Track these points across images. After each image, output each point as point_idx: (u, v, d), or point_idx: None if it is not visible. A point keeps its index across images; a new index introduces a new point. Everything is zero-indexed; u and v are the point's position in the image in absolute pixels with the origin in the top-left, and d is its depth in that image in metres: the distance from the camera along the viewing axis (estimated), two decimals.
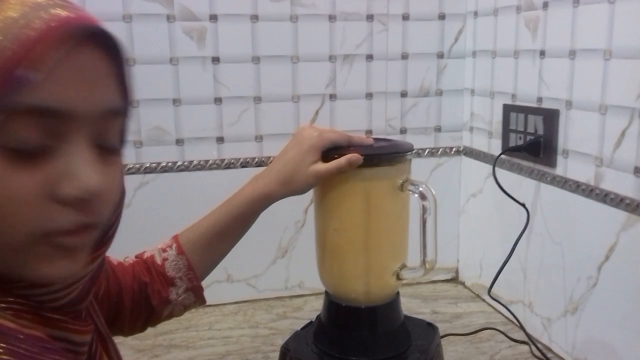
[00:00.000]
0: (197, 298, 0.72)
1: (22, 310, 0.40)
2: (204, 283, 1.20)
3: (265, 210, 1.13)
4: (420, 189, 0.69)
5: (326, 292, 0.78)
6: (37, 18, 0.37)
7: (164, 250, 0.71)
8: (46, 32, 0.36)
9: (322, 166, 0.70)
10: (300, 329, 0.80)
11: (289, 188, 0.72)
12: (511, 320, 1.10)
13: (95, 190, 0.39)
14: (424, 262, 0.71)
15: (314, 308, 1.18)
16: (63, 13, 0.38)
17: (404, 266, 0.74)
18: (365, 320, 0.74)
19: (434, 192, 0.69)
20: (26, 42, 0.36)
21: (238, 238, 0.75)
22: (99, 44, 0.40)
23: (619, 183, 0.85)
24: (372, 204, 0.71)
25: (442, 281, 1.33)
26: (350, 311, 0.74)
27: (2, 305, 0.39)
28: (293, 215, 1.22)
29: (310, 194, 1.22)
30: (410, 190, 0.71)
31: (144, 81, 1.11)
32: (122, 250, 1.17)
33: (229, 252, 0.76)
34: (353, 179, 0.71)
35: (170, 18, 1.10)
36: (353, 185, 0.72)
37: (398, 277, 0.73)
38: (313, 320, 0.82)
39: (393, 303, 0.75)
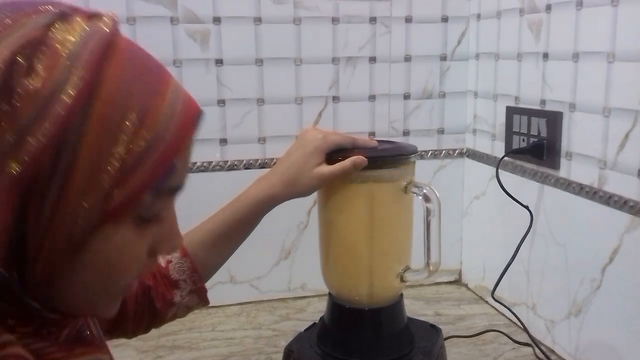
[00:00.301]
0: (201, 300, 0.72)
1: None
2: (207, 284, 1.20)
3: (268, 212, 1.13)
4: (425, 191, 0.69)
5: (330, 294, 0.78)
6: (178, 105, 0.40)
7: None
8: (187, 122, 0.41)
9: (326, 169, 0.71)
10: (304, 330, 0.81)
11: (293, 190, 0.72)
12: (514, 323, 1.10)
13: (177, 249, 0.47)
14: (427, 264, 0.71)
15: (316, 310, 1.18)
16: (192, 100, 0.42)
17: (407, 268, 0.74)
18: (368, 322, 0.74)
19: (437, 194, 0.69)
20: (176, 132, 0.40)
21: (242, 240, 0.75)
22: None
23: (623, 185, 0.85)
24: (376, 206, 0.72)
25: (446, 283, 1.33)
26: (354, 313, 0.74)
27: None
28: (296, 217, 1.22)
29: (313, 196, 1.22)
30: (414, 193, 0.71)
31: None
32: None
33: (233, 253, 0.77)
34: (357, 181, 0.71)
35: (174, 20, 1.11)
36: (357, 187, 0.72)
37: (402, 279, 0.74)
38: (316, 321, 0.82)
39: (397, 305, 0.75)
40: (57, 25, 0.37)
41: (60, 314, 0.42)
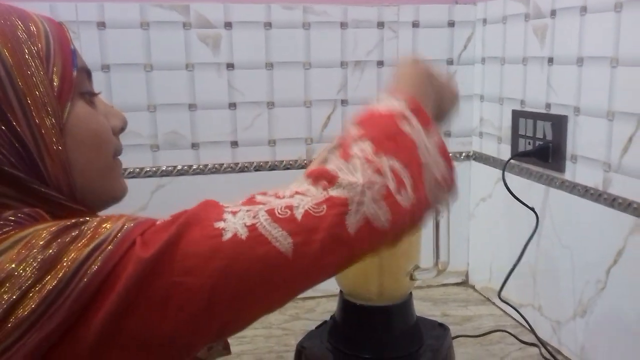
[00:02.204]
0: (224, 348, 0.71)
1: None
2: None
3: None
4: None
5: (341, 292, 0.80)
6: (44, 18, 0.52)
7: None
8: (57, 24, 0.52)
9: None
10: (315, 328, 0.83)
11: None
12: (520, 324, 1.12)
13: (127, 121, 0.56)
14: (436, 263, 0.73)
15: (325, 310, 1.20)
16: (49, 17, 0.53)
17: (417, 267, 0.76)
18: (378, 319, 0.76)
19: None
20: (57, 30, 0.51)
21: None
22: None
23: (627, 188, 0.87)
24: None
25: (453, 284, 1.35)
26: (365, 310, 0.76)
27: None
28: None
29: None
30: None
31: (161, 87, 1.14)
32: None
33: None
34: None
35: (186, 25, 1.13)
36: None
37: (411, 278, 0.75)
38: (327, 320, 0.84)
39: (406, 303, 0.77)
40: None
41: (83, 205, 0.49)
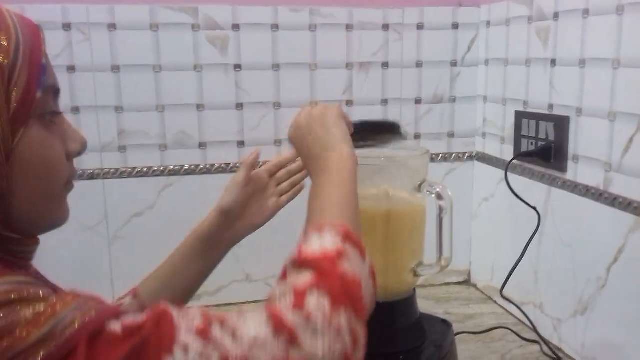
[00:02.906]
0: None
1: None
2: (223, 282, 1.26)
3: (283, 211, 1.17)
4: (437, 189, 0.73)
5: None
6: (20, 21, 0.48)
7: (120, 299, 0.73)
8: (35, 30, 0.49)
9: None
10: None
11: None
12: (522, 322, 1.13)
13: (86, 144, 0.53)
14: (439, 259, 0.75)
15: None
16: (28, 18, 0.50)
17: (420, 263, 0.78)
18: (383, 315, 0.78)
19: (450, 193, 0.73)
20: (31, 39, 0.48)
21: (201, 273, 0.77)
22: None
23: (627, 187, 0.88)
24: (391, 205, 0.75)
25: (455, 283, 1.36)
26: None
27: None
28: None
29: None
30: (428, 191, 0.75)
31: (170, 87, 1.16)
32: (147, 247, 1.22)
33: (198, 286, 0.77)
34: (373, 180, 0.75)
35: (195, 27, 1.15)
36: (373, 186, 0.76)
37: (415, 274, 0.77)
38: None
39: (410, 299, 0.79)
40: None
41: (20, 233, 0.48)
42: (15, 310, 0.40)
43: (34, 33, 0.48)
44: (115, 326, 0.42)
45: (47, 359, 0.39)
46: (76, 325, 0.41)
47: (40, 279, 0.52)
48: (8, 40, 0.45)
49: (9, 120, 0.45)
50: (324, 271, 0.48)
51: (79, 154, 0.53)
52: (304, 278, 0.48)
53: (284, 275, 0.51)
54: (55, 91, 0.50)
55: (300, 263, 0.50)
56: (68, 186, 0.52)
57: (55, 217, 0.51)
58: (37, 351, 0.39)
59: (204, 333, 0.43)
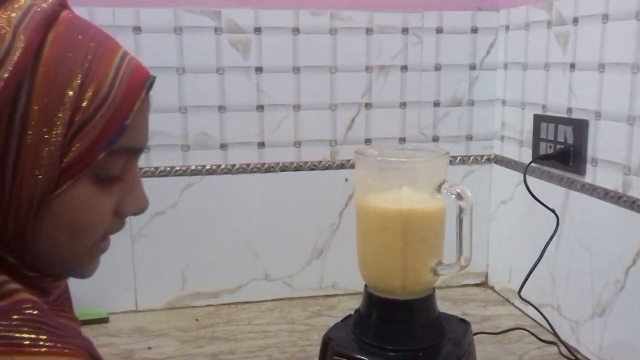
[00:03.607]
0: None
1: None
2: (243, 280, 1.26)
3: (301, 213, 1.18)
4: (457, 190, 0.75)
5: (366, 286, 0.84)
6: (125, 70, 0.45)
7: None
8: (135, 84, 0.45)
9: None
10: (341, 320, 0.86)
11: None
12: (539, 324, 1.14)
13: (145, 209, 0.50)
14: (459, 258, 0.76)
15: (347, 307, 1.23)
16: (141, 66, 0.46)
17: (440, 263, 0.79)
18: (402, 312, 0.79)
19: (469, 194, 0.74)
20: (124, 94, 0.44)
21: None
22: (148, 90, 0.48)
23: None
24: (411, 205, 0.77)
25: (472, 285, 1.37)
26: (389, 304, 0.79)
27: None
28: (328, 218, 1.27)
29: (345, 197, 1.28)
30: (448, 192, 0.76)
31: (192, 89, 1.18)
32: (169, 244, 1.24)
33: None
34: (393, 181, 0.77)
35: (217, 30, 1.18)
36: (393, 188, 0.77)
37: (435, 273, 0.79)
38: (351, 314, 0.87)
39: (429, 297, 0.80)
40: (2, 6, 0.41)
41: (37, 272, 0.45)
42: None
43: (135, 89, 0.45)
44: None
45: None
46: None
47: (59, 303, 0.50)
48: (94, 93, 0.42)
49: (58, 167, 0.41)
50: None
51: (133, 214, 0.50)
52: None
53: None
54: (131, 152, 0.47)
55: None
56: (103, 243, 0.49)
57: (80, 270, 0.49)
58: None
59: None
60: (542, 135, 1.12)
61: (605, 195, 0.97)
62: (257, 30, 1.19)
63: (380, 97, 1.26)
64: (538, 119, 1.14)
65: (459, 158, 1.32)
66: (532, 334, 1.10)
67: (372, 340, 0.78)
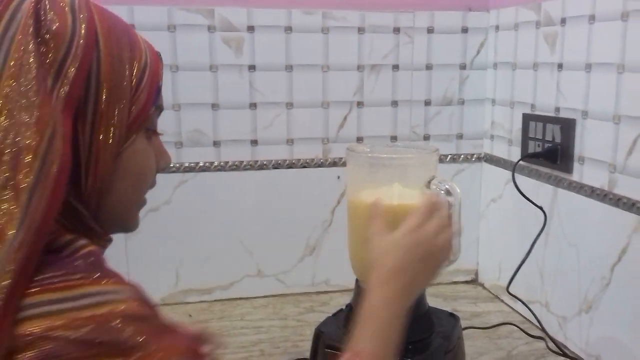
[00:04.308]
0: None
1: None
2: (236, 276, 1.27)
3: (294, 210, 1.19)
4: (446, 186, 0.76)
5: (357, 280, 0.85)
6: (146, 43, 0.55)
7: None
8: (156, 55, 0.55)
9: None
10: (332, 314, 0.87)
11: None
12: (528, 320, 1.16)
13: (170, 164, 0.59)
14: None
15: (339, 304, 1.24)
16: (150, 43, 0.56)
17: None
18: None
19: (458, 190, 0.76)
20: (153, 62, 0.54)
21: None
22: None
23: (631, 188, 0.91)
24: (401, 201, 0.78)
25: (462, 282, 1.39)
26: None
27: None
28: (321, 216, 1.29)
29: (337, 195, 1.29)
30: (437, 187, 0.78)
31: (186, 86, 1.19)
32: (163, 241, 1.25)
33: None
34: (384, 177, 0.78)
35: (210, 28, 1.19)
36: (383, 184, 0.78)
37: None
38: (342, 308, 0.89)
39: None
40: None
41: (101, 227, 0.52)
42: (149, 329, 0.43)
43: (156, 59, 0.54)
44: None
45: None
46: None
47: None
48: (138, 61, 0.51)
49: (126, 125, 0.50)
50: None
51: (163, 169, 0.58)
52: None
53: None
54: (160, 111, 0.56)
55: None
56: (145, 197, 0.57)
57: (132, 223, 0.56)
58: None
59: None
60: (531, 134, 1.14)
61: (592, 193, 0.99)
62: (250, 28, 1.20)
63: (372, 95, 1.28)
64: (527, 118, 1.16)
65: (449, 156, 1.33)
66: (521, 329, 1.12)
67: None
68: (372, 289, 0.64)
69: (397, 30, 1.27)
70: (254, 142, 1.24)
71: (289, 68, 1.23)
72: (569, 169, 1.05)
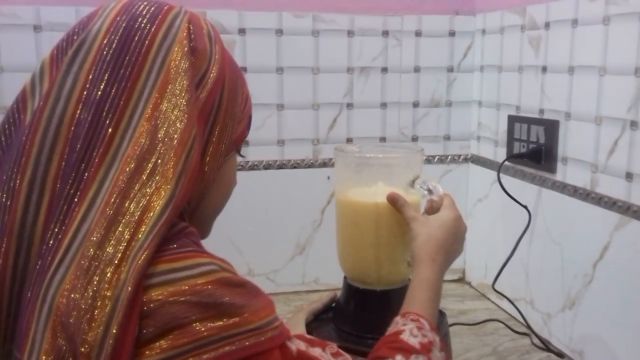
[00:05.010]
0: None
1: None
2: None
3: (284, 210, 1.20)
4: (429, 186, 0.78)
5: (345, 277, 0.87)
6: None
7: None
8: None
9: None
10: (322, 308, 0.89)
11: None
12: (514, 317, 1.18)
13: None
14: None
15: None
16: None
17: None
18: (379, 302, 0.83)
19: (441, 190, 0.78)
20: (247, 95, 0.62)
21: None
22: None
23: (612, 187, 0.93)
24: (386, 200, 0.80)
25: (449, 281, 1.41)
26: (366, 294, 0.83)
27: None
28: (311, 215, 1.31)
29: (326, 194, 1.30)
30: (420, 187, 0.80)
31: None
32: None
33: None
34: (369, 176, 0.80)
35: None
36: (369, 183, 0.80)
37: (409, 264, 0.82)
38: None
39: (404, 288, 0.83)
40: (188, 12, 0.56)
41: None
42: (248, 293, 0.49)
43: (245, 83, 0.61)
44: (292, 346, 0.52)
45: (251, 347, 0.47)
46: (277, 331, 0.50)
47: None
48: (245, 88, 0.60)
49: (232, 141, 0.57)
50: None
51: None
52: None
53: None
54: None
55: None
56: None
57: (208, 230, 0.63)
58: (249, 337, 0.47)
59: None
60: (516, 135, 1.17)
61: (575, 192, 1.02)
62: (242, 31, 1.22)
63: (361, 97, 1.30)
64: (512, 120, 1.18)
65: (437, 157, 1.36)
66: (507, 326, 1.15)
67: (350, 329, 0.82)
68: (424, 261, 0.73)
69: (385, 33, 1.29)
70: (245, 143, 1.26)
71: (280, 70, 1.25)
72: (552, 169, 1.07)
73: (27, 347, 0.44)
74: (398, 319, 0.67)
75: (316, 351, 0.55)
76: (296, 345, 0.52)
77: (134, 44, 0.51)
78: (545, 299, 1.11)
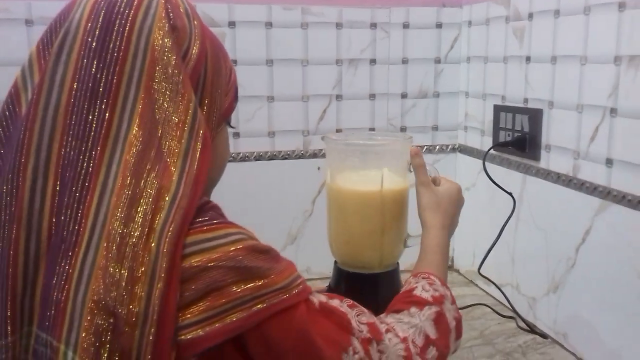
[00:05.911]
0: None
1: None
2: None
3: (276, 201, 1.22)
4: (428, 167, 0.82)
5: (335, 262, 0.89)
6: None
7: None
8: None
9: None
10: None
11: None
12: (500, 302, 1.21)
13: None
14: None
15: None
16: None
17: (408, 235, 0.86)
18: (368, 286, 0.85)
19: (438, 171, 0.82)
20: (231, 66, 0.64)
21: None
22: None
23: (593, 173, 0.96)
24: (385, 185, 0.83)
25: None
26: (356, 278, 0.85)
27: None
28: (302, 205, 1.33)
29: (317, 185, 1.32)
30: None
31: None
32: None
33: None
34: (368, 163, 0.83)
35: None
36: (372, 169, 0.83)
37: (405, 244, 0.85)
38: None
39: (393, 272, 0.86)
40: None
41: None
42: (272, 258, 0.54)
43: (230, 63, 0.63)
44: (314, 300, 0.57)
45: (279, 303, 0.52)
46: (301, 287, 0.55)
47: None
48: (228, 60, 0.62)
49: (221, 114, 0.60)
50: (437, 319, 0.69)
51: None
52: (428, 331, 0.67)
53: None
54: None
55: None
56: None
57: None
58: (277, 295, 0.53)
59: (366, 346, 0.59)
60: (502, 124, 1.19)
61: (558, 178, 1.05)
62: (232, 24, 1.24)
63: (350, 89, 1.32)
64: (498, 109, 1.21)
65: (425, 147, 1.38)
66: (494, 310, 1.18)
67: None
68: (434, 227, 0.80)
69: (373, 25, 1.31)
70: (236, 135, 1.28)
71: (270, 62, 1.27)
72: (536, 157, 1.10)
73: (65, 327, 0.47)
74: (411, 278, 0.73)
75: (335, 302, 0.60)
76: (318, 299, 0.58)
77: (116, 28, 0.53)
78: (531, 284, 1.14)
